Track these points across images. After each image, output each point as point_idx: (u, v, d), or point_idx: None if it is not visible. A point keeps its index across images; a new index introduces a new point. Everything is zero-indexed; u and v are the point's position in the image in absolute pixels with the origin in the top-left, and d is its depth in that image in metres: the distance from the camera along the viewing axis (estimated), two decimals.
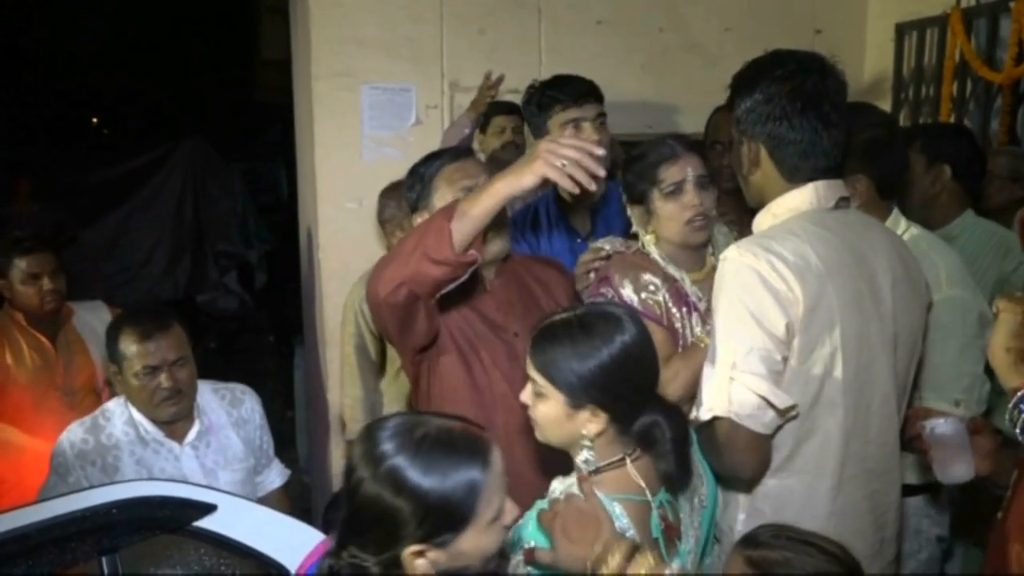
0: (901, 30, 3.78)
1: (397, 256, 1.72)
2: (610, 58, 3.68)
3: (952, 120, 3.50)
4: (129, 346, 2.06)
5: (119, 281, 6.61)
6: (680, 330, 1.93)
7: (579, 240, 2.51)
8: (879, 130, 2.04)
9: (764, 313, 1.45)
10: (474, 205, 1.62)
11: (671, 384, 1.80)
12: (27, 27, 10.68)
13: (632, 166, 2.00)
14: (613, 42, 3.73)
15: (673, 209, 1.91)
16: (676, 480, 1.47)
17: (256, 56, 9.26)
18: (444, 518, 1.15)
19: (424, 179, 1.97)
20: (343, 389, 2.94)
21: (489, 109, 3.28)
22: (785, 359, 1.48)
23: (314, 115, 3.57)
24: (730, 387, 1.45)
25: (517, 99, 2.80)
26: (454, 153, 2.03)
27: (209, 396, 2.22)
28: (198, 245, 7.13)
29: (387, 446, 1.15)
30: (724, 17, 3.80)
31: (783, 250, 1.48)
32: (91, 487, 1.73)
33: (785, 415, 1.49)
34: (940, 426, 1.49)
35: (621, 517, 1.35)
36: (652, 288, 1.92)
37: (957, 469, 1.51)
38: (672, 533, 1.44)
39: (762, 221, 1.62)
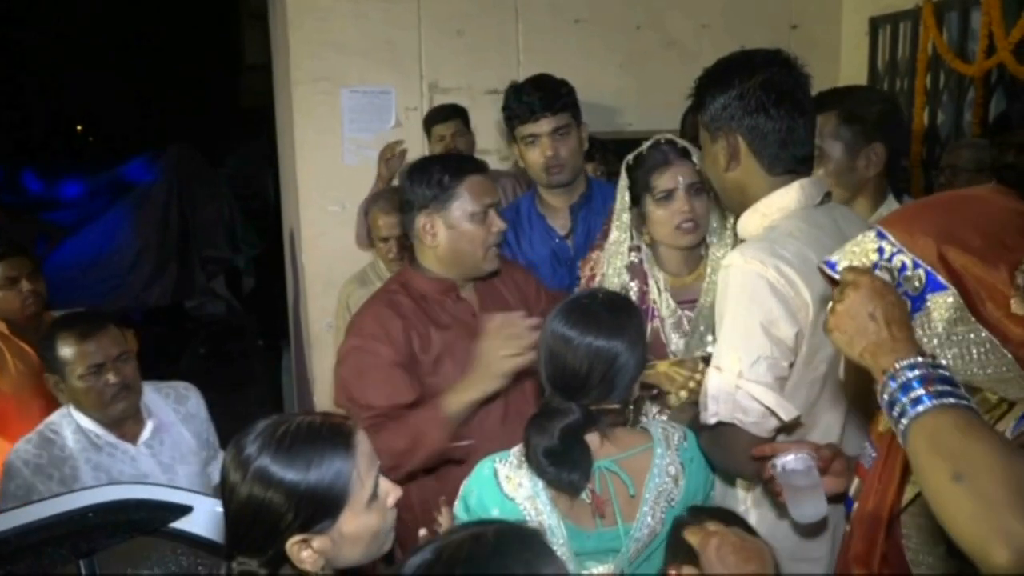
0: (875, 24, 3.82)
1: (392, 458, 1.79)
2: (588, 57, 3.72)
3: (926, 113, 3.54)
4: (68, 350, 2.05)
5: (106, 288, 6.58)
6: None
7: (558, 239, 2.54)
8: (888, 104, 2.10)
9: (774, 323, 1.46)
10: (459, 412, 1.86)
11: None
12: (11, 35, 10.66)
13: (632, 171, 2.07)
14: (591, 41, 3.77)
15: (664, 215, 2.00)
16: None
17: (240, 61, 9.30)
18: (317, 505, 1.18)
19: (441, 183, 1.96)
20: None
21: (427, 121, 3.42)
22: (792, 364, 1.50)
23: (294, 119, 3.60)
24: (736, 394, 1.47)
25: (497, 100, 2.82)
26: (474, 163, 2.06)
27: (154, 396, 2.23)
28: (185, 251, 7.10)
29: (251, 449, 1.20)
30: (701, 14, 3.84)
31: (787, 253, 1.48)
32: (70, 491, 1.75)
33: (788, 424, 1.50)
34: (790, 462, 1.41)
35: None
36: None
37: (809, 507, 1.42)
38: (599, 506, 1.50)
39: (749, 221, 1.61)
